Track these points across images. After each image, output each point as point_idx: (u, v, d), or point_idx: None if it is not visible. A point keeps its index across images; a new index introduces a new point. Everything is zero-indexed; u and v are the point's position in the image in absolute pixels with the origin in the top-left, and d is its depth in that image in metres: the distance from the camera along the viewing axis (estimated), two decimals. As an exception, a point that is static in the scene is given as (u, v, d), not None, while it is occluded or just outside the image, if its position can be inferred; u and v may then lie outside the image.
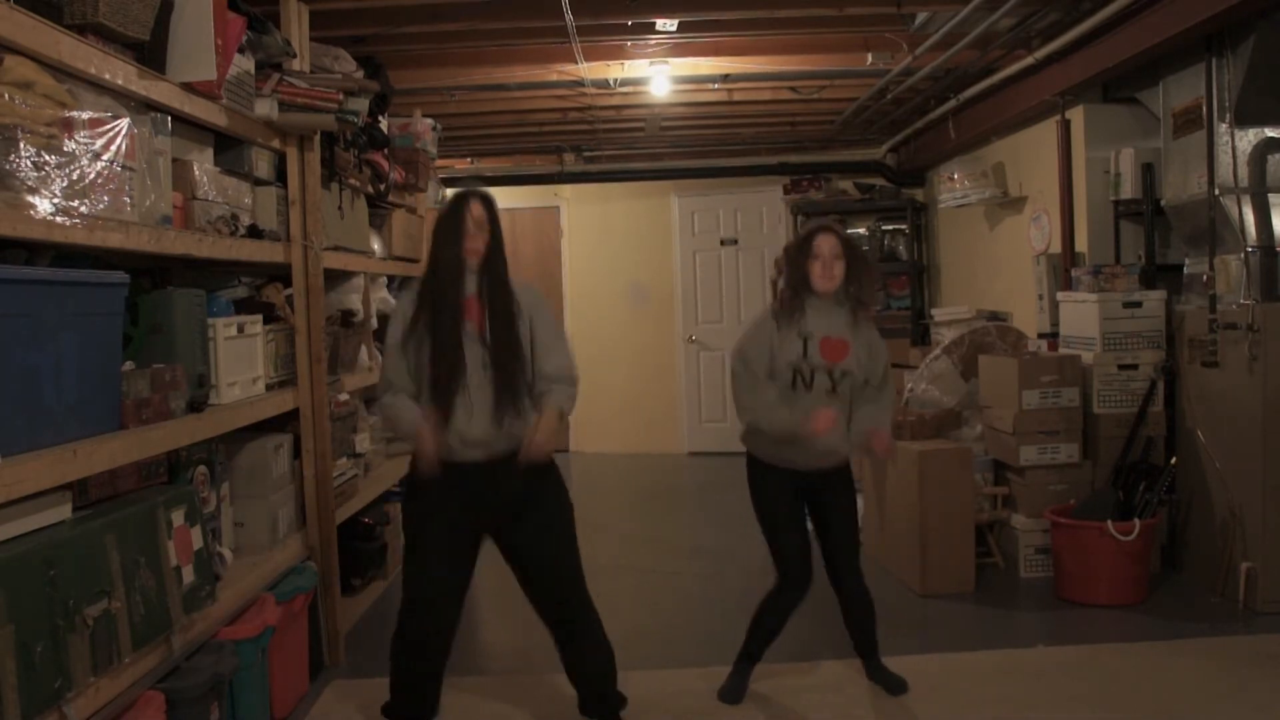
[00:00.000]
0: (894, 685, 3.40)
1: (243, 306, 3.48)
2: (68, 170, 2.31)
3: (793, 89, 6.10)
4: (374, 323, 4.72)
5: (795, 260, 3.27)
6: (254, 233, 3.35)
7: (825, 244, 3.22)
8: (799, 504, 3.35)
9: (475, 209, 2.89)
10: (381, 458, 4.90)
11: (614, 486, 7.58)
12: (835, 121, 7.07)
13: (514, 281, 2.99)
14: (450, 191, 3.05)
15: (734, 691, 3.38)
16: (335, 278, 4.29)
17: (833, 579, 3.39)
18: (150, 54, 2.80)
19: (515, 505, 2.94)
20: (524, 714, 3.29)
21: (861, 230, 8.19)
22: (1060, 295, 5.22)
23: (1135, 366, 4.68)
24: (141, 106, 2.73)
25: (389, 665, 3.08)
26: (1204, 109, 4.43)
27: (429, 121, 5.39)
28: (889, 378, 3.39)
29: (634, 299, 8.79)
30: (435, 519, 2.95)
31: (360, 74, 4.30)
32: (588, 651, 3.10)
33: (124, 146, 2.51)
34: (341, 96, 3.70)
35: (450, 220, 2.91)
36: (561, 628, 3.09)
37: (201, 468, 3.11)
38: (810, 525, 3.38)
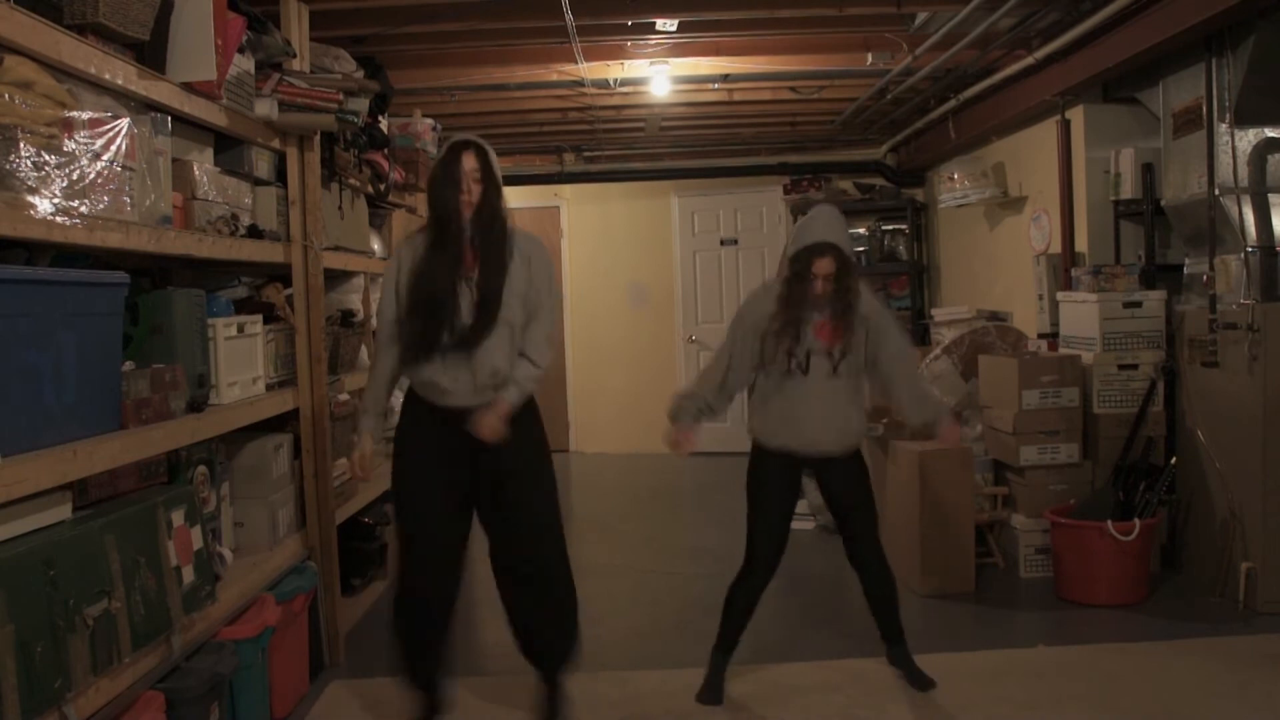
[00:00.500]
0: (918, 680, 3.37)
1: (243, 306, 3.48)
2: (68, 170, 2.31)
3: (793, 89, 6.10)
4: (374, 323, 4.72)
5: (795, 276, 3.25)
6: (254, 233, 3.35)
7: (821, 268, 3.20)
8: (788, 494, 3.36)
9: (468, 160, 2.87)
10: (381, 458, 4.90)
11: (614, 486, 7.57)
12: (835, 121, 7.08)
13: (517, 232, 2.98)
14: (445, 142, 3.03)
15: (712, 691, 3.34)
16: (335, 278, 4.29)
17: (852, 562, 3.42)
18: (150, 54, 2.80)
19: (495, 453, 2.93)
20: (524, 714, 3.29)
21: (861, 230, 8.20)
22: (1060, 295, 5.22)
23: (1135, 366, 4.68)
24: (141, 106, 2.73)
25: (393, 640, 3.09)
26: (1204, 109, 4.43)
27: (429, 121, 5.39)
28: (910, 349, 3.41)
29: (634, 299, 8.79)
30: (422, 476, 2.98)
31: (360, 74, 4.30)
32: (549, 605, 3.07)
33: (124, 146, 2.51)
34: (341, 96, 3.70)
35: (444, 171, 2.90)
36: (526, 573, 3.03)
37: (201, 468, 3.11)
38: (830, 513, 3.44)
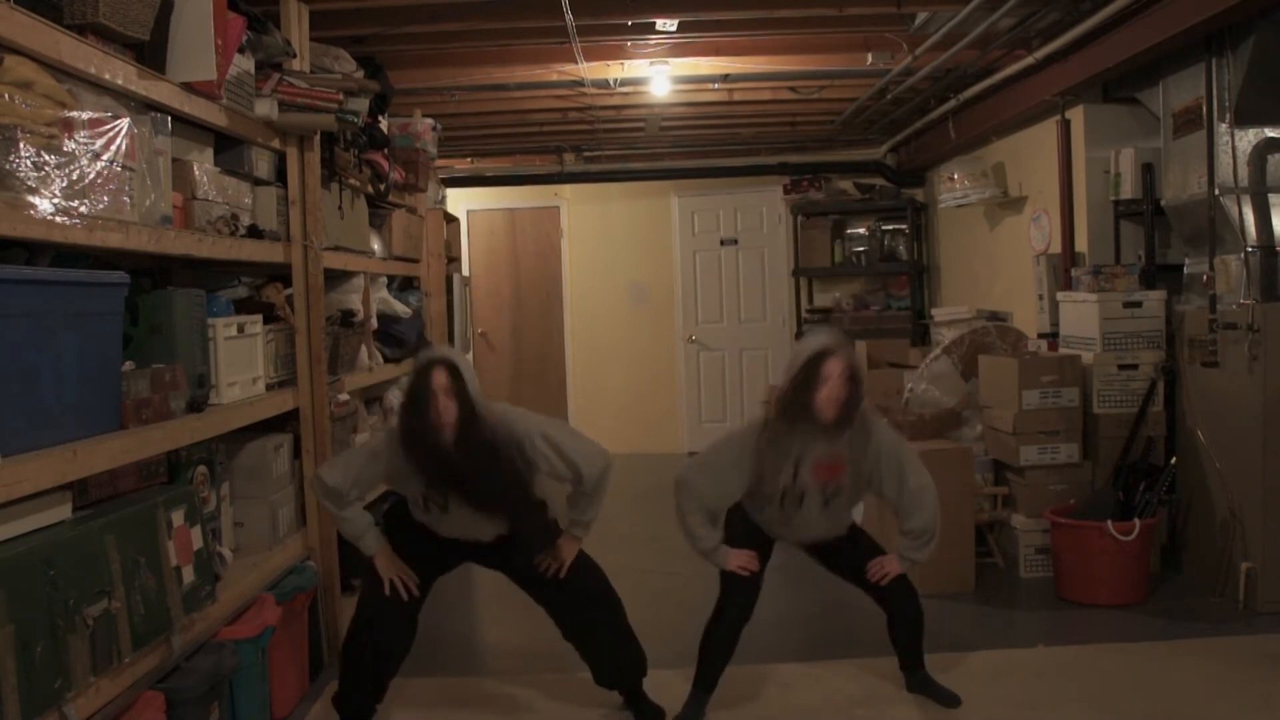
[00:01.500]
0: (945, 698, 3.27)
1: (243, 306, 3.48)
2: (68, 170, 2.31)
3: (793, 89, 6.10)
4: (374, 323, 4.72)
5: (800, 385, 3.00)
6: (254, 233, 3.35)
7: (834, 369, 2.96)
8: (763, 550, 3.26)
9: (439, 377, 2.88)
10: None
11: (614, 486, 7.52)
12: (835, 121, 7.08)
13: (497, 417, 3.00)
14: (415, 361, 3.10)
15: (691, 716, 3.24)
16: (335, 278, 4.29)
17: (878, 598, 3.29)
18: (150, 54, 2.80)
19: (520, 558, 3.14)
20: (524, 714, 3.29)
21: (861, 230, 8.20)
22: (1060, 295, 5.22)
23: (1135, 366, 4.68)
24: (141, 106, 2.73)
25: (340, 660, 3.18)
26: (1204, 109, 4.43)
27: (429, 121, 5.39)
28: (922, 481, 3.11)
29: (634, 299, 8.79)
30: (410, 546, 3.13)
31: (360, 74, 4.30)
32: (614, 644, 3.27)
33: (124, 146, 2.51)
34: (341, 96, 3.70)
35: (414, 393, 2.92)
36: (588, 631, 3.27)
37: (201, 468, 3.11)
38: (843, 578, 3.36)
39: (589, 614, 3.21)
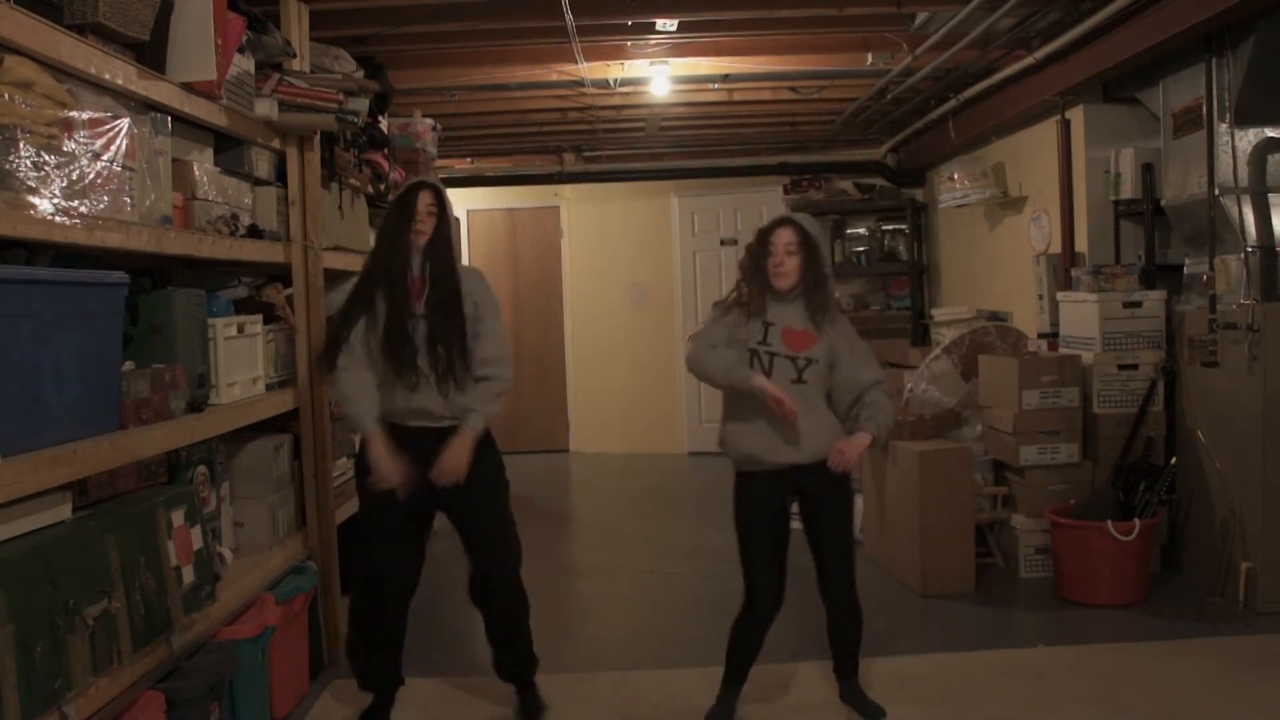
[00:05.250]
0: (871, 712, 3.21)
1: (243, 306, 3.48)
2: (68, 170, 2.31)
3: (793, 89, 6.10)
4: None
5: (755, 256, 3.18)
6: (254, 233, 3.35)
7: (781, 238, 3.12)
8: (779, 523, 3.18)
9: (425, 196, 3.06)
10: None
11: (614, 486, 7.57)
12: (835, 121, 7.08)
13: (460, 266, 3.15)
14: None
15: (721, 713, 3.22)
16: (335, 278, 4.29)
17: (821, 589, 3.23)
18: (150, 54, 2.80)
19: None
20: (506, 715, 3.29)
21: (861, 230, 8.19)
22: (1060, 295, 5.22)
23: (1135, 366, 4.68)
24: (141, 106, 2.73)
25: (350, 640, 3.23)
26: (1204, 109, 4.43)
27: (429, 121, 5.39)
28: (880, 381, 3.21)
29: (634, 299, 8.79)
30: (386, 499, 3.06)
31: (360, 74, 4.30)
32: (502, 615, 3.24)
33: (124, 146, 2.51)
34: (341, 96, 3.70)
35: (400, 205, 3.08)
36: (485, 594, 3.22)
37: (201, 468, 3.11)
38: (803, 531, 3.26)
39: (492, 564, 3.18)
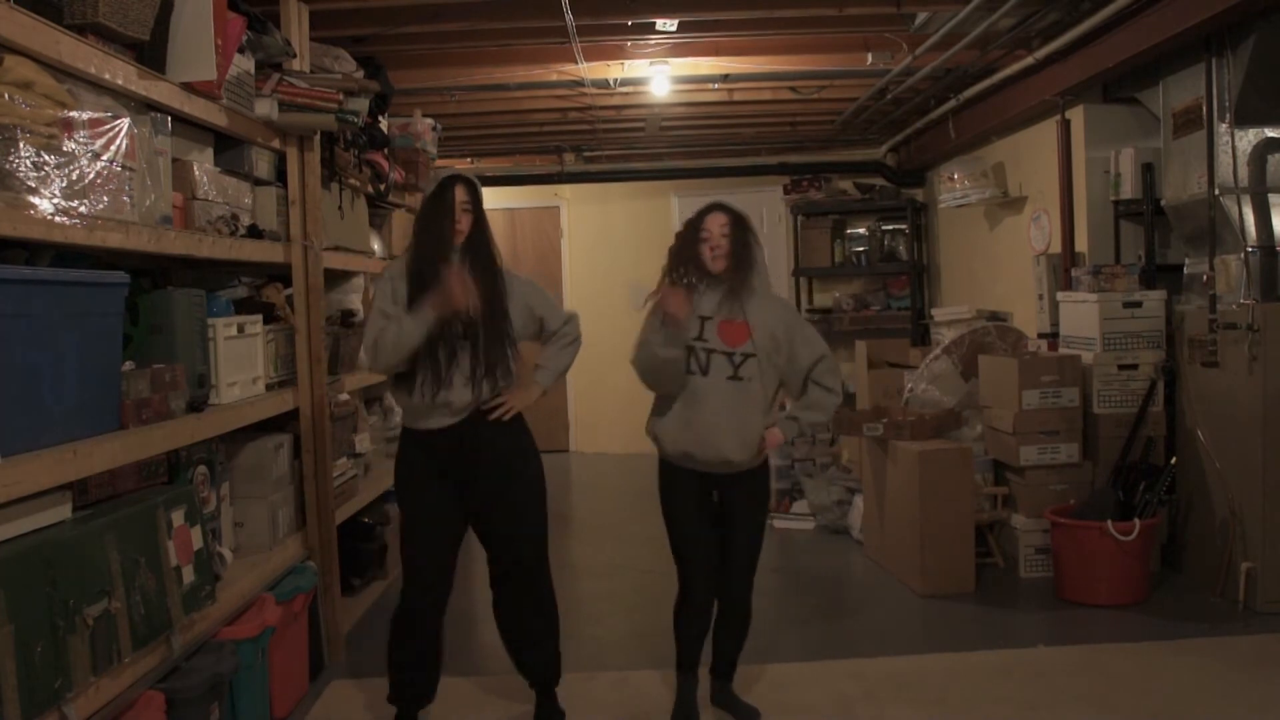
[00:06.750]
0: (745, 715, 3.22)
1: (243, 306, 3.48)
2: (68, 170, 2.31)
3: (793, 89, 6.10)
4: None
5: (687, 243, 3.12)
6: (254, 233, 3.35)
7: (715, 221, 3.06)
8: (702, 511, 3.15)
9: (460, 192, 2.98)
10: (382, 457, 4.90)
11: (614, 486, 7.57)
12: (835, 121, 7.08)
13: (504, 268, 3.09)
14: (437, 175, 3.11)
15: (686, 707, 3.22)
16: (335, 278, 4.29)
17: (719, 587, 3.19)
18: (150, 54, 2.80)
19: (486, 465, 3.02)
20: (524, 714, 3.29)
21: (861, 230, 8.19)
22: (1060, 295, 5.22)
23: (1135, 366, 4.68)
24: (141, 106, 2.73)
25: (387, 652, 3.13)
26: (1204, 109, 4.43)
27: (429, 121, 5.39)
28: (827, 360, 3.13)
29: (634, 299, 8.78)
30: (423, 500, 3.05)
31: (360, 74, 4.30)
32: (527, 614, 3.16)
33: (124, 146, 2.51)
34: (341, 96, 3.70)
35: (436, 202, 3.00)
36: (508, 585, 3.14)
37: (201, 468, 3.11)
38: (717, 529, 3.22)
39: (517, 576, 3.12)
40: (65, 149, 2.30)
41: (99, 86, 2.55)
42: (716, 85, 5.92)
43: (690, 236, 3.11)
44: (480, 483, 3.04)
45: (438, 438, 2.99)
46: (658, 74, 5.67)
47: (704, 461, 3.07)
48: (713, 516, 3.18)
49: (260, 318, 3.43)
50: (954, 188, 6.60)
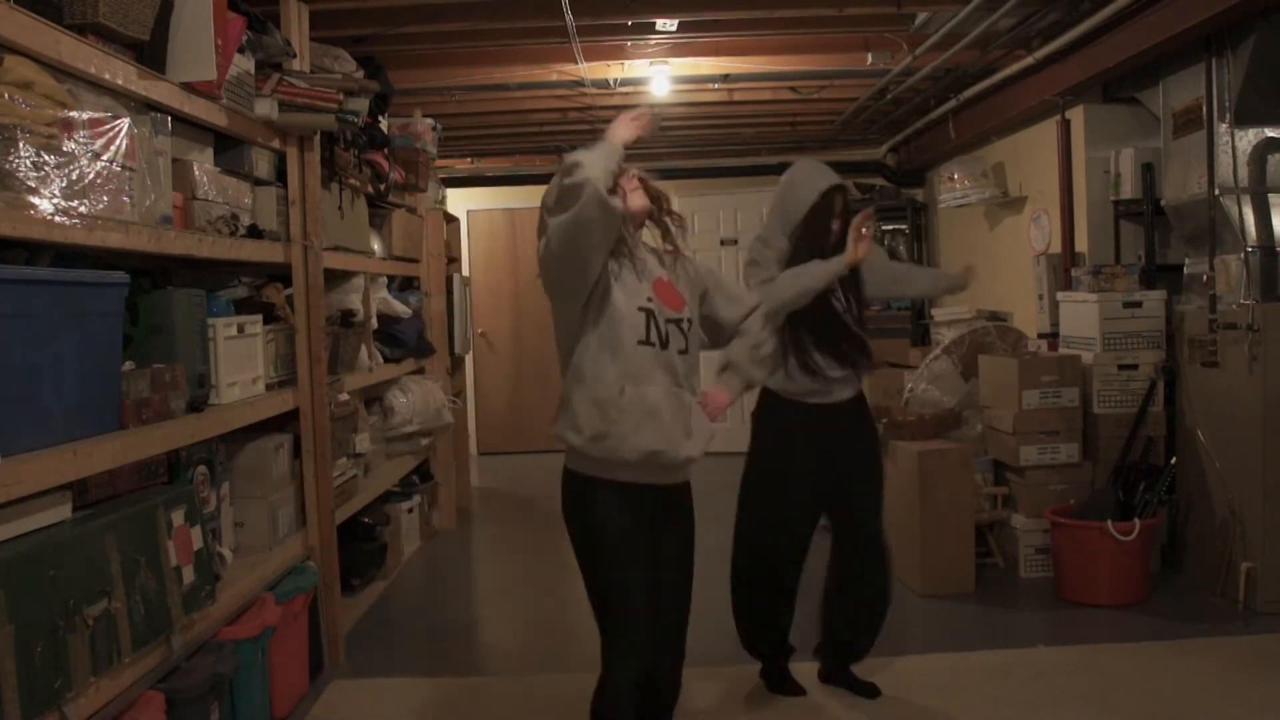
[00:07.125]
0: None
1: (243, 306, 3.48)
2: (67, 170, 2.31)
3: (793, 89, 6.10)
4: (374, 323, 4.72)
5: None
6: (254, 233, 3.35)
7: (627, 184, 2.51)
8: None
9: (839, 200, 3.33)
10: (381, 458, 4.91)
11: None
12: (835, 121, 7.08)
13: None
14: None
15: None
16: (335, 278, 4.29)
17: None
18: (150, 54, 2.80)
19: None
20: (524, 714, 3.29)
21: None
22: (1060, 295, 5.22)
23: (1135, 366, 4.68)
24: (141, 106, 2.73)
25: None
26: (1204, 109, 4.43)
27: (429, 121, 5.39)
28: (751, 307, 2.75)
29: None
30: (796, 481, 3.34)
31: (360, 74, 4.30)
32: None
33: (124, 146, 2.51)
34: (341, 96, 3.69)
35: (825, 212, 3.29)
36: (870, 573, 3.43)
37: (201, 468, 3.11)
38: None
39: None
40: (65, 149, 2.30)
41: (99, 86, 2.55)
42: (716, 85, 5.93)
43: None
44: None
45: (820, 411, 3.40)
46: (658, 74, 5.67)
47: (667, 463, 2.51)
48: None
49: (260, 318, 3.43)
50: (954, 188, 6.60)
